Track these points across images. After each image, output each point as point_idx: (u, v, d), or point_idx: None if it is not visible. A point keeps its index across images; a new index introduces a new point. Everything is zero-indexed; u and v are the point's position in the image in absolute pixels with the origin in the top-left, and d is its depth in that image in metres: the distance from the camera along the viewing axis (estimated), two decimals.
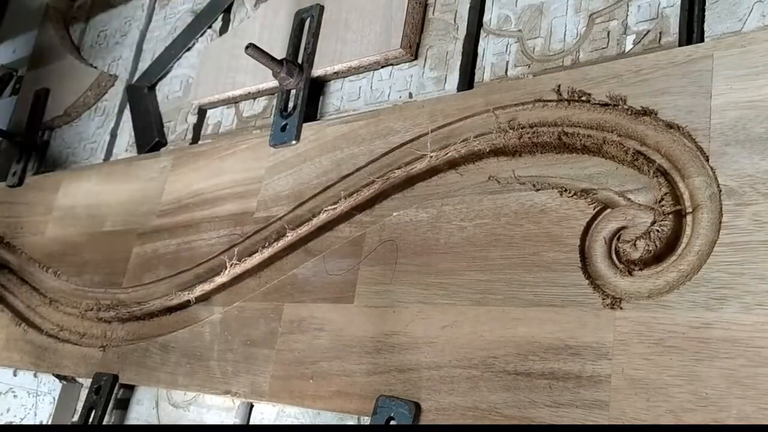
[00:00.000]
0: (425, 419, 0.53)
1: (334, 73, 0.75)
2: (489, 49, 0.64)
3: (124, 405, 0.82)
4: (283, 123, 0.74)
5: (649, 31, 0.54)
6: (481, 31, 0.66)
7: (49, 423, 0.90)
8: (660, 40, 0.54)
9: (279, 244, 0.69)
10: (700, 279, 0.44)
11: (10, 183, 1.13)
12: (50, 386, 0.93)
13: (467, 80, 0.65)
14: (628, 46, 0.55)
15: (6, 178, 1.15)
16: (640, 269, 0.47)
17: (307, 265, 0.67)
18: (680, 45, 0.52)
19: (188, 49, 0.99)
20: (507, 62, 0.62)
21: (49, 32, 1.26)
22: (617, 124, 0.50)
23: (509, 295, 0.52)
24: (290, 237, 0.68)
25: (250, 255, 0.70)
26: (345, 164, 0.67)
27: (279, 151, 0.74)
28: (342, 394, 0.58)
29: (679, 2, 0.54)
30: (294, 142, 0.72)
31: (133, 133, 1.00)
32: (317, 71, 0.75)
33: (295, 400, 0.61)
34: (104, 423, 0.78)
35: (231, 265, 0.71)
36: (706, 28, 0.52)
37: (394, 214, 0.62)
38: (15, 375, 1.00)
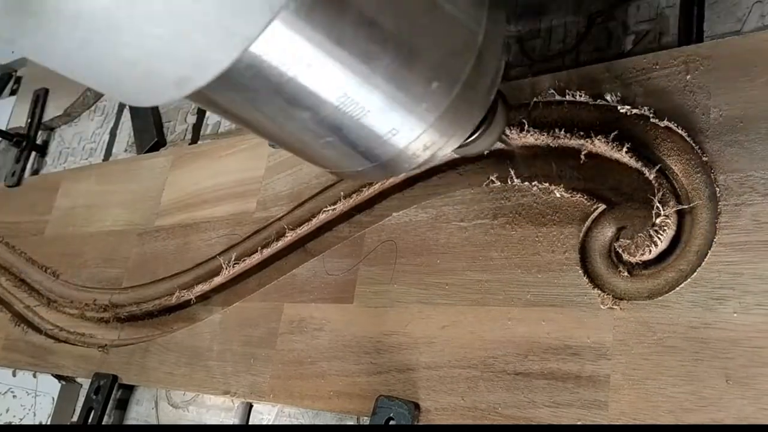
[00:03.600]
0: (425, 419, 0.53)
1: None
2: None
3: (123, 405, 0.82)
4: None
5: (648, 31, 0.54)
6: None
7: (49, 423, 0.90)
8: (660, 40, 0.54)
9: (278, 245, 0.69)
10: (700, 279, 0.44)
11: (10, 183, 1.13)
12: (50, 386, 0.93)
13: None
14: (628, 46, 0.55)
15: (5, 178, 1.15)
16: (640, 269, 0.47)
17: (306, 265, 0.67)
18: (680, 45, 0.52)
19: None
20: (507, 62, 0.62)
21: None
22: (617, 124, 0.50)
23: (509, 295, 0.52)
24: (290, 237, 0.68)
25: (249, 255, 0.70)
26: None
27: (278, 151, 0.74)
28: (341, 394, 0.58)
29: (678, 2, 0.54)
30: None
31: (132, 133, 1.00)
32: None
33: (295, 400, 0.61)
34: (103, 423, 0.78)
35: (230, 266, 0.71)
36: (705, 28, 0.52)
37: (394, 214, 0.62)
38: (14, 375, 1.00)
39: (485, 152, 0.56)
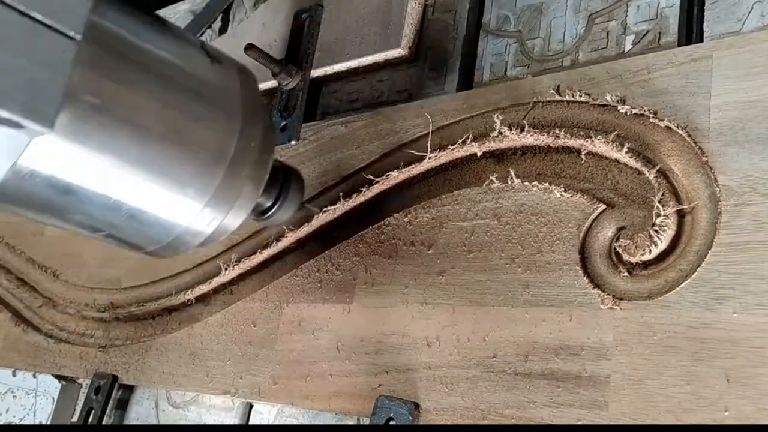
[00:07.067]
0: (425, 419, 0.53)
1: (334, 73, 0.75)
2: (488, 49, 0.64)
3: (123, 405, 0.82)
4: (283, 123, 0.74)
5: (648, 32, 0.55)
6: (481, 32, 0.66)
7: (49, 423, 0.90)
8: (659, 40, 0.54)
9: (278, 245, 0.69)
10: (700, 279, 0.44)
11: None
12: (49, 386, 0.93)
13: (467, 80, 0.65)
14: (628, 46, 0.55)
15: None
16: (640, 269, 0.47)
17: (306, 266, 0.67)
18: (680, 45, 0.52)
19: None
20: (506, 62, 0.62)
21: None
22: (617, 125, 0.50)
23: (509, 295, 0.52)
24: (290, 237, 0.68)
25: (249, 255, 0.70)
26: (344, 165, 0.67)
27: (279, 151, 0.74)
28: (342, 394, 0.58)
29: (678, 2, 0.54)
30: (293, 142, 0.72)
31: None
32: (317, 71, 0.75)
33: (295, 400, 0.61)
34: (104, 423, 0.78)
35: (231, 266, 0.71)
36: (705, 28, 0.52)
37: (395, 214, 0.62)
38: (14, 375, 1.00)
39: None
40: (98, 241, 0.45)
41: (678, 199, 0.47)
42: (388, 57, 0.70)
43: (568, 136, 0.52)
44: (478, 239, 0.56)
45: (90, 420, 0.78)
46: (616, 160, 0.50)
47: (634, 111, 0.50)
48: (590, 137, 0.51)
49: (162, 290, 0.79)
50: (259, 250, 0.70)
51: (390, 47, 0.69)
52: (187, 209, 0.42)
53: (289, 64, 0.74)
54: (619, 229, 0.49)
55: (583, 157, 0.52)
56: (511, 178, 0.55)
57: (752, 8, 0.50)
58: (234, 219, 0.45)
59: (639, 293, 0.47)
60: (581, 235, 0.50)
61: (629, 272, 0.48)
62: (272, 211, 0.52)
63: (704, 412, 0.41)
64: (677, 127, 0.48)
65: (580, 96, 0.53)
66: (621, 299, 0.47)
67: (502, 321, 0.52)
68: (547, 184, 0.53)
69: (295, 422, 0.66)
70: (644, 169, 0.48)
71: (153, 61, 0.39)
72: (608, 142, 0.50)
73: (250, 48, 0.71)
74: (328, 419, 0.63)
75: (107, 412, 0.78)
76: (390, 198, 0.63)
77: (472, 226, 0.56)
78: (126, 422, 0.81)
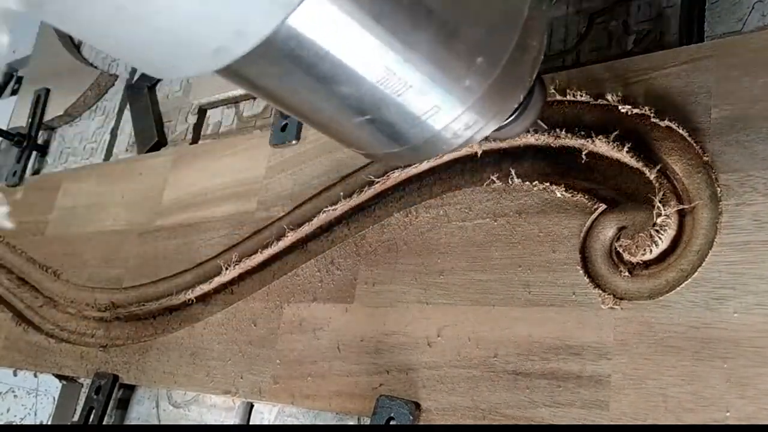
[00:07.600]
0: (425, 419, 0.53)
1: None
2: None
3: (124, 405, 0.82)
4: (284, 123, 0.74)
5: (649, 31, 0.54)
6: None
7: (49, 423, 0.90)
8: (660, 39, 0.54)
9: (279, 245, 0.69)
10: (700, 279, 0.44)
11: (10, 183, 1.13)
12: (50, 386, 0.93)
13: None
14: (629, 45, 0.55)
15: (6, 178, 1.15)
16: (641, 269, 0.47)
17: (307, 265, 0.67)
18: (680, 45, 0.52)
19: None
20: None
21: (49, 32, 1.26)
22: (618, 124, 0.50)
23: (509, 295, 0.52)
24: (290, 237, 0.68)
25: (250, 255, 0.70)
26: (345, 164, 0.67)
27: (279, 151, 0.74)
28: (342, 394, 0.58)
29: (679, 2, 0.54)
30: (294, 141, 0.73)
31: (133, 133, 1.00)
32: None
33: (296, 400, 0.61)
34: (104, 423, 0.78)
35: (231, 266, 0.71)
36: (706, 28, 0.52)
37: (395, 214, 0.62)
38: (15, 375, 1.00)
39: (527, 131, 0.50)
40: (345, 133, 0.38)
41: (679, 199, 0.47)
42: None
43: (569, 135, 0.52)
44: (478, 239, 0.56)
45: (91, 420, 0.78)
46: (617, 160, 0.50)
47: (635, 110, 0.50)
48: (591, 137, 0.51)
49: (163, 290, 0.79)
50: (259, 250, 0.70)
51: None
52: (452, 103, 0.34)
53: None
54: (620, 229, 0.49)
55: (583, 156, 0.52)
56: (512, 177, 0.55)
57: (753, 8, 0.50)
58: (491, 126, 0.37)
59: (640, 293, 0.47)
60: (582, 234, 0.50)
61: (630, 272, 0.48)
62: (512, 117, 0.42)
63: (705, 412, 0.41)
64: (678, 126, 0.48)
65: (581, 96, 0.53)
66: (622, 299, 0.47)
67: (503, 321, 0.52)
68: (547, 184, 0.53)
69: (295, 422, 0.66)
70: (645, 169, 0.48)
71: None
72: (609, 142, 0.50)
73: None
74: (328, 419, 0.63)
75: (108, 411, 0.79)
76: (390, 198, 0.63)
77: (473, 226, 0.56)
78: (127, 422, 0.81)
